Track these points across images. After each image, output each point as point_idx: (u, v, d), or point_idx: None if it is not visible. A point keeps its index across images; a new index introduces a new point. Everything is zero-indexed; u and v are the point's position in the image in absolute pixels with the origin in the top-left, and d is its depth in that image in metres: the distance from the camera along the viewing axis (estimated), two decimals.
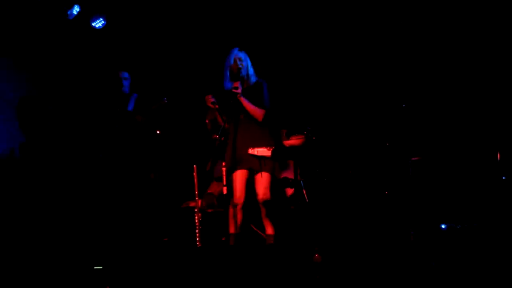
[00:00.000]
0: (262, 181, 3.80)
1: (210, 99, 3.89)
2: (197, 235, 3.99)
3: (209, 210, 4.56)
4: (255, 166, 3.79)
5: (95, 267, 3.59)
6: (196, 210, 4.04)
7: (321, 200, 4.56)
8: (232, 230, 3.87)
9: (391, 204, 4.26)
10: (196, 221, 4.01)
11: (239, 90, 3.76)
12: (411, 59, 4.67)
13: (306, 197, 4.62)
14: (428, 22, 4.62)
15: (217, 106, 3.89)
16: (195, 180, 4.05)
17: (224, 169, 3.73)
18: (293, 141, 4.36)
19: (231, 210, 3.88)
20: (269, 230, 3.90)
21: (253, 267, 3.45)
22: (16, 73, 4.74)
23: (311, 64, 5.20)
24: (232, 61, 3.88)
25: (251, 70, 3.90)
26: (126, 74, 4.69)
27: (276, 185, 4.05)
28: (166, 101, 4.48)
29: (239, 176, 3.81)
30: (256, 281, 3.21)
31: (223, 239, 4.26)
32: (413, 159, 4.08)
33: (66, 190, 4.63)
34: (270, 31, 5.18)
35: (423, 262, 3.39)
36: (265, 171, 3.80)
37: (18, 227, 4.26)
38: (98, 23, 4.78)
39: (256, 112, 3.84)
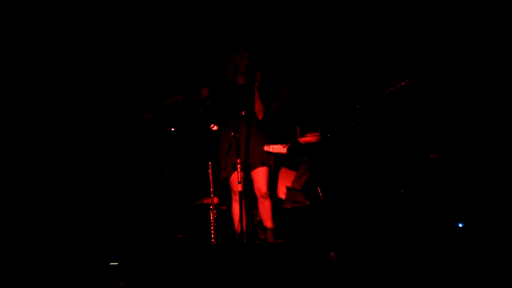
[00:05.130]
0: (261, 175, 3.88)
1: (206, 92, 3.98)
2: (212, 232, 3.99)
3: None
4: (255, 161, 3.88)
5: (111, 263, 3.61)
6: (211, 207, 4.04)
7: (336, 198, 4.53)
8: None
9: (408, 202, 4.22)
10: (211, 218, 4.01)
11: (259, 79, 3.81)
12: (428, 53, 4.62)
13: (321, 194, 4.60)
14: (450, 15, 4.57)
15: (208, 103, 3.99)
16: (210, 177, 4.05)
17: (239, 166, 3.72)
18: (308, 138, 4.34)
19: (236, 209, 3.90)
20: (268, 223, 3.92)
21: (268, 265, 3.44)
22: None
23: (325, 61, 5.17)
24: (241, 59, 3.91)
25: (254, 69, 3.95)
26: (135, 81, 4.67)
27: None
28: (181, 98, 4.44)
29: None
30: (270, 279, 3.20)
31: (236, 236, 4.25)
32: (430, 156, 4.04)
33: (81, 187, 4.65)
34: (280, 28, 5.17)
35: (440, 261, 3.36)
36: (265, 165, 3.88)
37: (33, 224, 4.30)
38: None
39: (262, 109, 3.90)
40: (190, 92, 4.99)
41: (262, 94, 3.95)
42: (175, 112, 4.78)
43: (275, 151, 3.80)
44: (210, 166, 4.05)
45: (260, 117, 3.94)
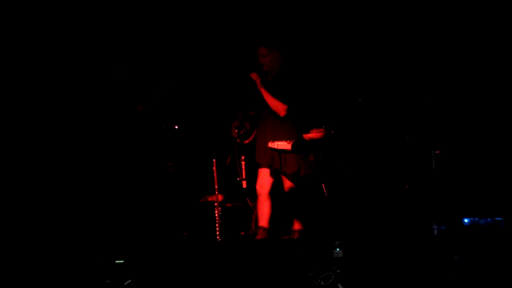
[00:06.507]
0: (285, 179, 3.82)
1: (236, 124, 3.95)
2: (217, 229, 3.99)
3: None
4: (275, 164, 3.78)
5: (116, 261, 3.61)
6: (216, 204, 4.04)
7: (340, 194, 4.52)
8: (260, 222, 3.86)
9: (413, 198, 4.21)
10: (216, 215, 4.01)
11: (258, 81, 3.73)
12: (433, 49, 4.60)
13: (325, 191, 4.59)
14: (452, 14, 4.56)
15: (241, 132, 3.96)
16: (215, 174, 4.04)
17: (243, 162, 3.74)
18: (313, 134, 4.33)
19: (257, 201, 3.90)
20: (296, 225, 3.91)
21: (273, 261, 3.44)
22: None
23: (329, 56, 5.15)
24: (257, 57, 3.85)
25: (276, 64, 3.84)
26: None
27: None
28: (169, 85, 4.35)
29: (260, 169, 3.82)
30: (275, 275, 3.20)
31: (242, 233, 4.26)
32: (436, 152, 4.02)
33: (85, 185, 4.66)
34: (289, 25, 5.16)
35: (445, 257, 3.35)
36: (286, 170, 3.80)
37: (39, 222, 4.31)
38: None
39: (278, 106, 3.78)
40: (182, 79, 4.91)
41: (278, 92, 3.83)
42: (180, 109, 4.76)
43: (280, 147, 3.78)
44: (214, 163, 4.05)
45: (281, 114, 3.81)
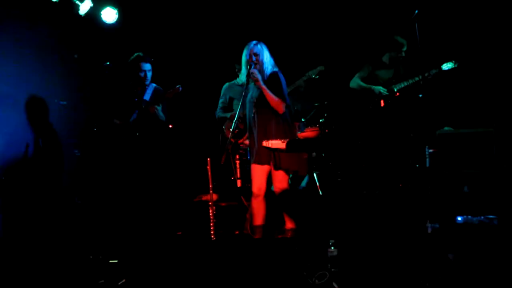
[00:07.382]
0: (279, 176, 3.78)
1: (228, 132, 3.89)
2: (211, 228, 3.99)
3: None
4: (271, 162, 3.76)
5: (110, 261, 3.60)
6: (210, 203, 4.03)
7: (335, 193, 4.54)
8: (256, 221, 3.83)
9: (407, 196, 4.23)
10: (211, 214, 4.00)
11: (258, 77, 3.69)
12: (430, 47, 4.62)
13: (319, 189, 4.60)
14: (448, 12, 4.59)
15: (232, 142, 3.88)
16: (209, 173, 4.03)
17: (238, 162, 3.72)
18: (307, 133, 4.34)
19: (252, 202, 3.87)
20: (288, 224, 3.88)
21: (267, 260, 3.44)
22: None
23: (326, 54, 5.17)
24: (248, 56, 3.81)
25: (268, 63, 3.81)
26: (148, 66, 4.50)
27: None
28: (180, 89, 4.27)
29: (258, 170, 3.78)
30: (270, 274, 3.20)
31: (236, 232, 4.25)
32: (430, 150, 4.04)
33: (81, 184, 4.64)
34: (282, 24, 5.17)
35: (439, 255, 3.36)
36: (282, 168, 3.76)
37: (35, 223, 4.29)
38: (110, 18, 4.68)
39: (279, 104, 3.72)
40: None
41: (274, 90, 3.75)
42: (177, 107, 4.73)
43: (274, 146, 3.77)
44: (208, 163, 4.04)
45: (281, 111, 3.74)
